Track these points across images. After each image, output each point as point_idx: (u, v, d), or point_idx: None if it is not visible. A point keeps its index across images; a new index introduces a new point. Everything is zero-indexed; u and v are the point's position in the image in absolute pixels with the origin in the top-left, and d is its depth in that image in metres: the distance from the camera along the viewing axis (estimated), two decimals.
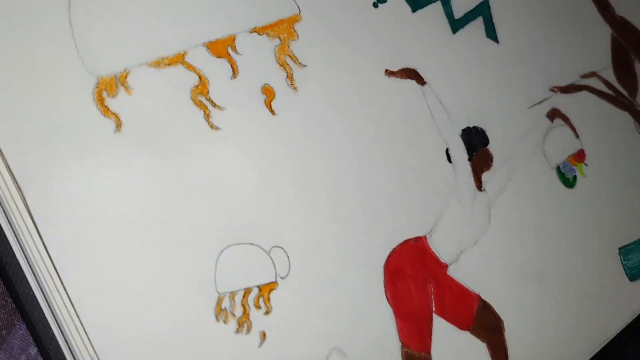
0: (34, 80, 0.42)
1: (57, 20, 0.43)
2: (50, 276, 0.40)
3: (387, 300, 0.50)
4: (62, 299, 0.40)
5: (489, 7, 0.61)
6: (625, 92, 0.67)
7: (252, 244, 0.46)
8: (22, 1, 0.42)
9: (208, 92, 0.47)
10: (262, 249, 0.46)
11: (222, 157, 0.46)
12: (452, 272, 0.54)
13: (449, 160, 0.55)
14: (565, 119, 0.62)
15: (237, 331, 0.44)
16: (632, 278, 0.63)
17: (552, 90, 0.63)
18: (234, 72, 0.48)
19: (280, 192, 0.48)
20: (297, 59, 0.51)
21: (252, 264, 0.46)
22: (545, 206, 0.60)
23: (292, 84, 0.50)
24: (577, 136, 0.63)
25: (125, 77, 0.45)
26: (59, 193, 0.41)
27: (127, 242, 0.42)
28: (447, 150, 0.55)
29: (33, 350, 0.43)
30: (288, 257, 0.47)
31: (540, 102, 0.62)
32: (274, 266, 0.46)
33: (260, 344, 0.45)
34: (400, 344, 0.50)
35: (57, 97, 0.42)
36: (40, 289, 0.41)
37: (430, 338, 0.52)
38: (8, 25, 0.42)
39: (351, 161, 0.51)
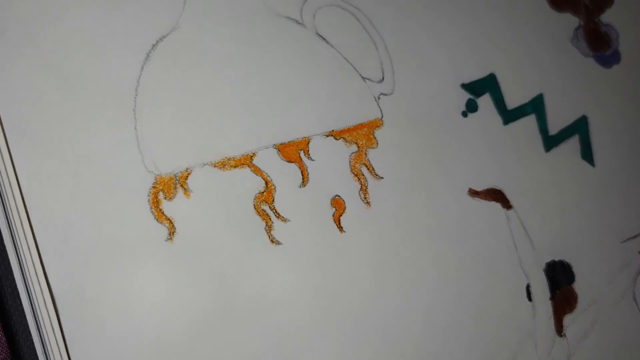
0: (84, 174, 0.38)
1: (122, 107, 0.40)
2: None
3: None
4: None
5: (587, 124, 0.55)
6: None
7: None
8: (89, 80, 0.39)
9: (273, 200, 0.42)
10: None
11: (279, 278, 0.41)
12: None
13: (529, 298, 0.49)
14: None
15: None
16: None
17: None
18: (304, 180, 0.43)
19: (339, 324, 0.42)
20: (373, 169, 0.46)
21: None
22: (633, 359, 0.52)
23: (365, 198, 0.45)
24: None
25: (186, 177, 0.40)
26: (93, 305, 0.37)
27: None
28: (527, 286, 0.49)
29: None
30: None
31: (635, 237, 0.55)
32: None
33: None
34: None
35: (107, 196, 0.38)
36: None
37: None
38: (68, 106, 0.38)
39: (420, 293, 0.45)
